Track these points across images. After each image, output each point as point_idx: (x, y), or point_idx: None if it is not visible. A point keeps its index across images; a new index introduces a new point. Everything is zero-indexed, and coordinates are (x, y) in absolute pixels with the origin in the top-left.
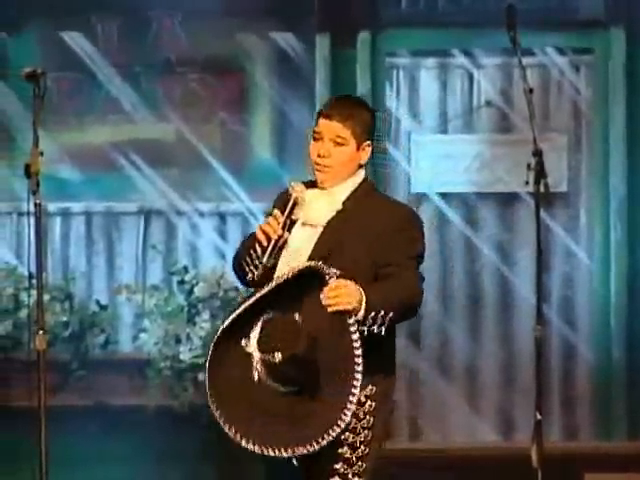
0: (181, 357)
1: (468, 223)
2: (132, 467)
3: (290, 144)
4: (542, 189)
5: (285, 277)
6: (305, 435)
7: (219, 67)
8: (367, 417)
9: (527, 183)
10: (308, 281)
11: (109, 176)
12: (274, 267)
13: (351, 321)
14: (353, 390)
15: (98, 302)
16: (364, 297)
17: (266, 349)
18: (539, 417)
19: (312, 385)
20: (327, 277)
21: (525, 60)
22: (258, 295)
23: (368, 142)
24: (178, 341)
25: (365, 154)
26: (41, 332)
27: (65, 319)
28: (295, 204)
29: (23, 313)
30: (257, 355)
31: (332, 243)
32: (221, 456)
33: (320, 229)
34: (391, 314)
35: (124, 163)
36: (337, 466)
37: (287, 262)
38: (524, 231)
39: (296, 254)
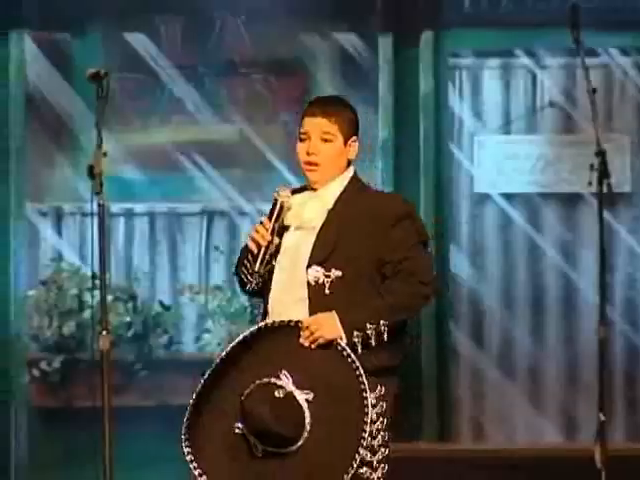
0: None
1: (531, 224)
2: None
3: None
4: (605, 189)
5: (245, 335)
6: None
7: (282, 68)
8: (381, 419)
9: (590, 184)
10: (280, 335)
11: (172, 177)
12: (271, 274)
13: (339, 348)
14: (365, 427)
15: (161, 303)
16: (339, 321)
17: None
18: (602, 418)
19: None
20: (293, 324)
21: (588, 60)
22: (225, 353)
23: (354, 138)
24: None
25: (352, 150)
26: (105, 332)
27: (128, 320)
28: (282, 209)
29: (87, 314)
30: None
31: (330, 244)
32: None
33: (316, 231)
34: (382, 322)
35: (187, 164)
36: (362, 470)
37: (286, 267)
38: (587, 232)
39: (294, 258)
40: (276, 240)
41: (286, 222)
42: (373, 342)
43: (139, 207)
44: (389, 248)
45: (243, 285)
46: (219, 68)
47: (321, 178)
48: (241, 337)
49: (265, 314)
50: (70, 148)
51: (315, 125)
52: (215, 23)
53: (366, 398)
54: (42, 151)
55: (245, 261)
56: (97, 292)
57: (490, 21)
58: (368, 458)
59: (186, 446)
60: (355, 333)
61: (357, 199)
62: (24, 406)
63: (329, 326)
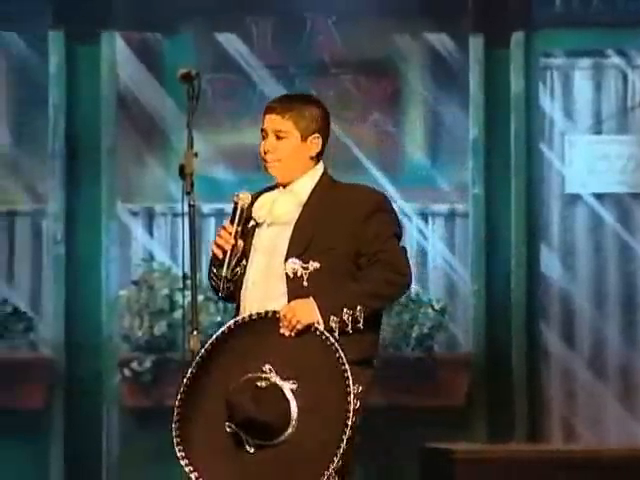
0: None
1: (622, 224)
2: None
3: (443, 145)
4: None
5: (225, 329)
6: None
7: (373, 68)
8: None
9: None
10: (259, 328)
11: (263, 177)
12: (242, 276)
13: (318, 333)
14: (348, 407)
15: None
16: (315, 305)
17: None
18: None
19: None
20: (270, 315)
21: None
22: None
23: (316, 135)
24: None
25: (314, 146)
26: (195, 332)
27: (219, 319)
28: (243, 212)
29: (178, 314)
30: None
31: (307, 236)
32: (374, 456)
33: (290, 226)
34: (359, 307)
35: None
36: None
37: (261, 263)
38: None
39: (270, 254)
40: (240, 243)
41: (258, 220)
42: (350, 329)
43: (230, 207)
44: (365, 240)
45: (216, 291)
46: (310, 68)
47: (283, 174)
48: (218, 333)
49: (238, 314)
50: (161, 148)
51: (270, 122)
52: (306, 23)
53: (348, 378)
54: (133, 151)
55: (212, 267)
56: (188, 292)
57: (581, 21)
58: None
59: (178, 448)
60: (332, 318)
61: (330, 193)
62: (116, 406)
63: (306, 311)
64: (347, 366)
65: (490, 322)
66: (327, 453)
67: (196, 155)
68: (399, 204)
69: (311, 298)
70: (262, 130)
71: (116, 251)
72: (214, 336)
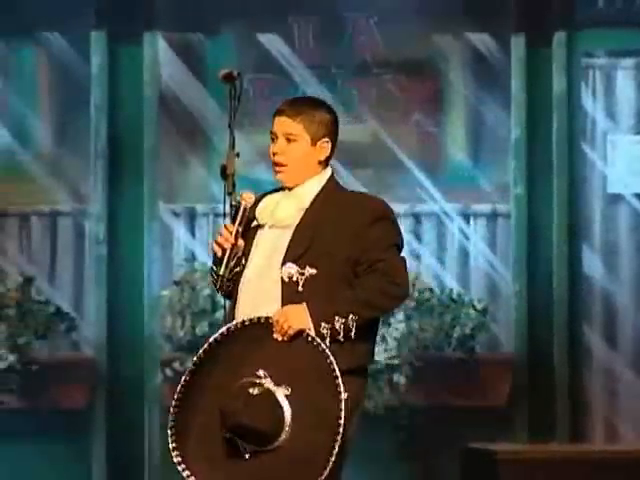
0: (376, 358)
1: None
2: None
3: (485, 145)
4: None
5: (219, 334)
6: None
7: (414, 68)
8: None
9: None
10: (252, 333)
11: None
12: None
13: (309, 339)
14: (340, 414)
15: None
16: (307, 311)
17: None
18: None
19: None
20: (263, 320)
21: None
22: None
23: (326, 139)
24: None
25: (323, 151)
26: None
27: None
28: (245, 212)
29: (219, 314)
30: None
31: (306, 241)
32: (418, 457)
33: (290, 230)
34: (351, 316)
35: None
36: None
37: (259, 265)
38: None
39: (269, 257)
40: (241, 243)
41: (260, 221)
42: (341, 337)
43: None
44: (364, 248)
45: (216, 289)
46: (351, 68)
47: (288, 179)
48: (211, 339)
49: (232, 315)
50: (203, 148)
51: (280, 124)
52: (348, 23)
53: (338, 385)
54: (175, 151)
55: (212, 265)
56: None
57: (624, 21)
58: None
59: (175, 453)
60: (323, 325)
61: (334, 199)
62: (157, 406)
63: (297, 316)
64: (338, 372)
65: (532, 322)
66: (320, 459)
67: (238, 155)
68: (441, 204)
69: (304, 304)
70: (271, 133)
71: (158, 251)
72: (208, 342)
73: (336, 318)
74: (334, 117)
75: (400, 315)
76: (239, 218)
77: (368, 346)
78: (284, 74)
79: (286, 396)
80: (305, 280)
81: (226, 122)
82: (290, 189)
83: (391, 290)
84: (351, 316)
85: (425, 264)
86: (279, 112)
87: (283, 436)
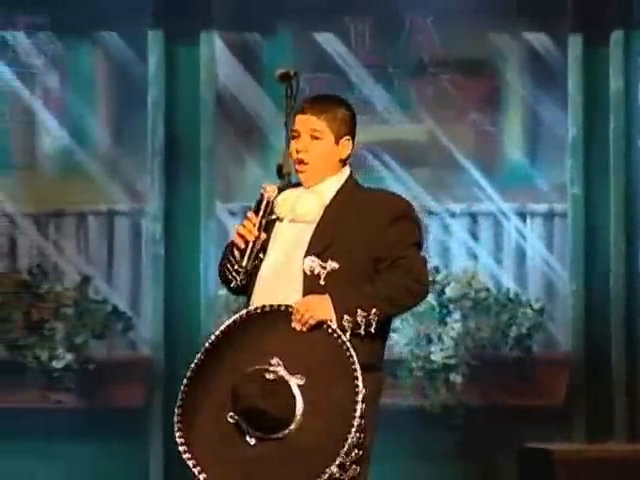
0: (432, 357)
1: None
2: (383, 466)
3: (542, 144)
4: None
5: (236, 318)
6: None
7: (471, 67)
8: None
9: None
10: (271, 320)
11: (361, 176)
12: (257, 269)
13: (330, 330)
14: (356, 406)
15: None
16: (330, 302)
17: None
18: None
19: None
20: (283, 308)
21: None
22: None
23: (348, 137)
24: (429, 341)
25: (345, 149)
26: None
27: None
28: (268, 205)
29: None
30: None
31: (328, 237)
32: (474, 457)
33: (311, 225)
34: (374, 310)
35: (376, 163)
36: (333, 469)
37: (279, 260)
38: None
39: (290, 251)
40: (263, 236)
41: (279, 215)
42: (362, 330)
43: None
44: (387, 246)
45: (228, 282)
46: (408, 68)
47: (310, 178)
48: (228, 322)
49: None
50: (259, 147)
51: (304, 122)
52: (404, 23)
53: (357, 378)
54: (231, 150)
55: (230, 257)
56: None
57: None
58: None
59: (178, 435)
60: (345, 317)
61: (355, 197)
62: None
63: (320, 307)
64: (357, 365)
65: (589, 321)
66: (329, 451)
67: None
68: (497, 204)
69: (327, 295)
70: (294, 131)
71: (215, 251)
72: (223, 325)
73: (359, 312)
74: (353, 114)
75: (457, 315)
76: (262, 210)
77: (382, 344)
78: (340, 73)
79: (299, 386)
80: (327, 274)
81: (282, 121)
82: (309, 186)
83: (414, 287)
84: (374, 310)
85: (482, 264)
86: (302, 111)
87: (292, 426)
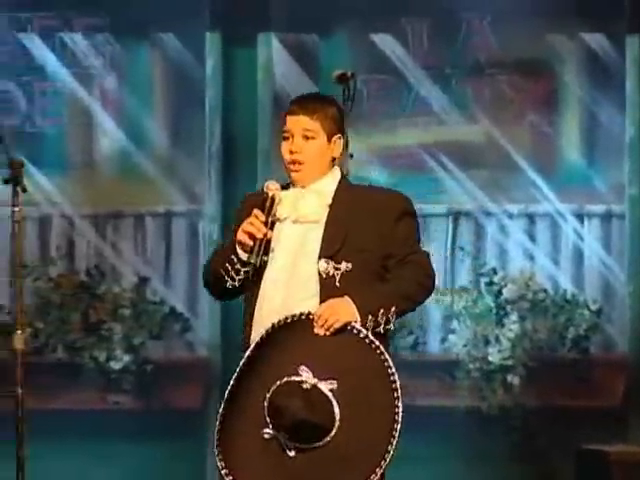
0: (489, 358)
1: None
2: (440, 467)
3: (600, 145)
4: None
5: (263, 334)
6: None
7: (529, 68)
8: None
9: None
10: (292, 330)
11: (418, 178)
12: (261, 268)
13: (355, 331)
14: (396, 403)
15: None
16: (354, 304)
17: (275, 428)
18: None
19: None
20: (304, 317)
21: None
22: (248, 353)
23: (339, 135)
24: (487, 342)
25: (337, 147)
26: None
27: None
28: (273, 202)
29: None
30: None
31: (340, 237)
32: (531, 458)
33: (316, 225)
34: (393, 308)
35: (433, 165)
36: None
37: (288, 262)
38: None
39: (298, 253)
40: (270, 233)
41: (280, 215)
42: (382, 329)
43: None
44: (395, 243)
45: (220, 283)
46: (465, 69)
47: (304, 177)
48: (257, 340)
49: (252, 310)
50: None
51: (296, 123)
52: (461, 24)
53: (392, 374)
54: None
55: (232, 256)
56: None
57: None
58: None
59: (219, 459)
60: (370, 317)
61: (355, 194)
62: None
63: (344, 309)
64: (391, 362)
65: None
66: (374, 453)
67: (351, 156)
68: (555, 205)
69: (346, 297)
70: (285, 132)
71: None
72: (255, 343)
73: (381, 311)
74: (342, 112)
75: (514, 316)
76: (267, 208)
77: (388, 337)
78: (397, 75)
79: (331, 391)
80: (341, 275)
81: None
82: (303, 187)
83: (426, 283)
84: (393, 308)
85: (539, 265)
86: (293, 111)
87: (332, 432)
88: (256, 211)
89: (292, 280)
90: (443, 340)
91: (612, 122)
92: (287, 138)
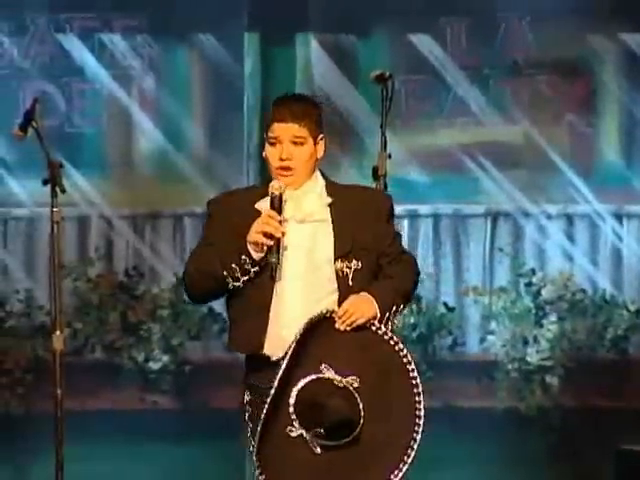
0: (528, 359)
1: None
2: (479, 468)
3: (638, 145)
4: None
5: (294, 341)
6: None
7: (567, 68)
8: None
9: None
10: (312, 329)
11: (457, 178)
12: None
13: (374, 328)
14: (417, 398)
15: (445, 304)
16: (374, 300)
17: (309, 425)
18: None
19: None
20: (328, 314)
21: None
22: (284, 366)
23: (322, 136)
24: (525, 343)
25: (321, 148)
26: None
27: (413, 321)
28: (282, 201)
29: None
30: (306, 435)
31: (349, 236)
32: (569, 459)
33: (322, 225)
34: (402, 306)
35: (471, 165)
36: None
37: (303, 260)
38: None
39: (311, 252)
40: (285, 230)
41: (285, 216)
42: (389, 325)
43: (423, 208)
44: (386, 240)
45: (217, 284)
46: (503, 69)
47: (295, 182)
48: (294, 341)
49: (267, 309)
50: (354, 149)
51: (286, 130)
52: (500, 24)
53: (413, 370)
54: (327, 152)
55: (244, 256)
56: None
57: None
58: None
59: (256, 458)
60: (387, 314)
61: (347, 194)
62: None
63: (367, 306)
64: (410, 357)
65: None
66: (398, 449)
67: (389, 156)
68: (593, 205)
69: (366, 294)
70: (273, 137)
71: None
72: (292, 345)
73: (393, 307)
74: (321, 110)
75: (553, 316)
76: (278, 207)
77: None
78: (436, 75)
79: (355, 388)
80: (353, 274)
81: (378, 123)
82: (295, 189)
83: (417, 280)
84: (401, 306)
85: (578, 265)
86: (281, 118)
87: (357, 429)
88: (271, 211)
89: (311, 279)
90: (482, 341)
91: None
92: (274, 144)
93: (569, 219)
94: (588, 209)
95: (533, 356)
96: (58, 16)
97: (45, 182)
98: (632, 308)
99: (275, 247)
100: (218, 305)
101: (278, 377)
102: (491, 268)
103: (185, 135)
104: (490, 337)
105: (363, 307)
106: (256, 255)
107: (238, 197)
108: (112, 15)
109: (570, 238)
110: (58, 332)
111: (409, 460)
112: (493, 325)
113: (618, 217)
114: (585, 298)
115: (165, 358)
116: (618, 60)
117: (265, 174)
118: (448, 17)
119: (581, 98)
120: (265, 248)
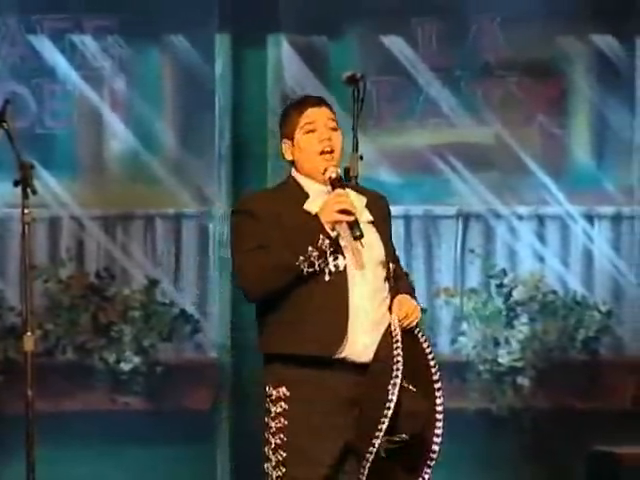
0: (499, 360)
1: None
2: (451, 469)
3: (609, 147)
4: None
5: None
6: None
7: (539, 70)
8: None
9: None
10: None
11: (428, 179)
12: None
13: (416, 331)
14: (438, 401)
15: None
16: (415, 302)
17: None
18: None
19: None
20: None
21: None
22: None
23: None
24: (497, 344)
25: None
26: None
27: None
28: (342, 181)
29: None
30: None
31: (387, 238)
32: (541, 460)
33: (371, 225)
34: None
35: (443, 166)
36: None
37: (365, 256)
38: None
39: (369, 250)
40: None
41: None
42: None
43: (395, 210)
44: (391, 245)
45: (287, 275)
46: (475, 71)
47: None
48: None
49: (342, 310)
50: None
51: (321, 114)
52: (471, 26)
53: (436, 381)
54: None
55: (320, 238)
56: None
57: None
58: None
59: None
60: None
61: (364, 194)
62: None
63: (416, 307)
64: (436, 367)
65: None
66: (424, 447)
67: (361, 158)
68: (565, 207)
69: (407, 295)
70: (309, 124)
71: None
72: (398, 353)
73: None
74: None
75: (524, 317)
76: (342, 188)
77: None
78: (407, 76)
79: (414, 393)
80: (391, 275)
81: (349, 124)
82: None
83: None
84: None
85: (549, 266)
86: (314, 103)
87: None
88: (339, 190)
89: (375, 281)
90: (453, 342)
91: (622, 124)
92: (312, 131)
93: (540, 220)
94: (559, 210)
95: (504, 357)
96: (29, 17)
97: (16, 183)
98: (603, 309)
99: (355, 222)
100: (190, 306)
101: (395, 392)
102: (462, 269)
103: (156, 136)
104: (461, 338)
105: (415, 310)
106: (333, 233)
107: (275, 198)
108: (83, 16)
109: (541, 239)
110: (29, 333)
111: (433, 458)
112: (464, 326)
113: (589, 218)
114: (556, 299)
115: (136, 359)
116: (589, 62)
117: (237, 175)
118: (419, 18)
119: (552, 99)
120: (337, 227)
